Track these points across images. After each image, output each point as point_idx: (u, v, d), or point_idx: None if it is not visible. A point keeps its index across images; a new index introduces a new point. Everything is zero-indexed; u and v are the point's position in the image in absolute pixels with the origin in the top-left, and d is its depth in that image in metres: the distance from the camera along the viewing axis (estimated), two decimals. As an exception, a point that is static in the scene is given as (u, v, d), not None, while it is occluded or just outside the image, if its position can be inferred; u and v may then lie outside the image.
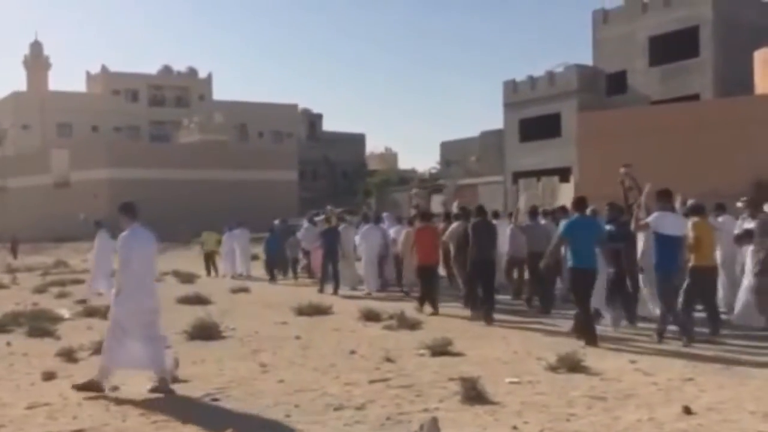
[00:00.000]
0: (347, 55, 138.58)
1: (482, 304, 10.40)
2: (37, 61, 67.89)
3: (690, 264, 8.38)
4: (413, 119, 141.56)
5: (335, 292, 14.48)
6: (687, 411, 5.18)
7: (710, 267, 8.46)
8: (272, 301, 13.74)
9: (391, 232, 14.80)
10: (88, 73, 66.67)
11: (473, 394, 5.64)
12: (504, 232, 12.54)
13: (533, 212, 12.20)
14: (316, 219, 18.15)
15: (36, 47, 68.54)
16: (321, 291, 14.75)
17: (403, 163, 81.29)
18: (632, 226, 8.94)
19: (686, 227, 8.35)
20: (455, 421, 5.13)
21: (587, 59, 39.73)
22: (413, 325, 9.54)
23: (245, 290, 15.65)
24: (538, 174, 36.68)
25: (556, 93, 38.93)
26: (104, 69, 65.00)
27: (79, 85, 68.09)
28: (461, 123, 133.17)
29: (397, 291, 14.27)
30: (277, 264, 19.01)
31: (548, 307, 10.91)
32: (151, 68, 71.05)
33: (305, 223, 18.62)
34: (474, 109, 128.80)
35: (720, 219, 10.47)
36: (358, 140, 73.78)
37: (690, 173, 26.36)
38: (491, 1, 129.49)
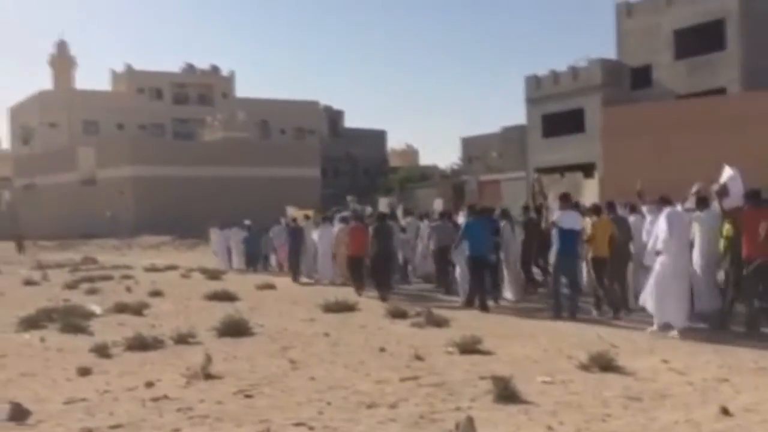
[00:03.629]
0: (368, 52, 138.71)
1: (382, 288, 13.09)
2: (63, 60, 68.96)
3: (589, 255, 10.14)
4: (435, 115, 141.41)
5: (297, 280, 17.09)
6: (724, 412, 5.13)
7: (602, 257, 10.05)
8: (298, 297, 13.82)
9: (334, 230, 16.17)
10: (113, 72, 67.54)
11: (506, 393, 5.62)
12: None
13: (443, 213, 15.06)
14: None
15: (62, 46, 69.60)
16: (294, 280, 17.12)
17: (425, 160, 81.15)
18: (542, 224, 11.13)
19: (582, 223, 10.21)
20: (489, 420, 5.12)
21: (611, 53, 39.33)
22: (440, 323, 9.54)
23: (271, 287, 15.76)
24: (562, 170, 36.40)
25: (579, 88, 38.56)
26: (129, 67, 65.80)
27: (105, 84, 69.02)
28: (482, 119, 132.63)
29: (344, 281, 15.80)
30: (255, 258, 21.28)
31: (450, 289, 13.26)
32: (175, 66, 71.61)
33: (277, 223, 20.72)
34: (495, 104, 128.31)
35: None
36: (380, 137, 73.79)
37: (716, 168, 26.00)
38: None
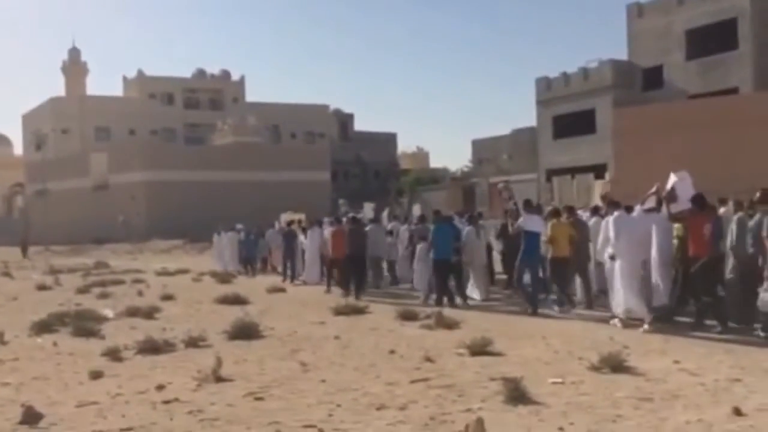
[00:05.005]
0: (378, 55, 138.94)
1: (355, 287, 13.99)
2: (75, 67, 69.47)
3: (549, 255, 10.95)
4: (445, 118, 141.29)
5: (292, 281, 17.92)
6: (737, 412, 5.08)
7: (562, 257, 10.79)
8: (308, 300, 13.86)
9: (326, 233, 16.70)
10: (124, 78, 67.98)
11: (516, 394, 5.60)
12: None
13: (421, 218, 15.80)
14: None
15: (74, 53, 70.12)
16: (284, 281, 17.92)
17: (435, 162, 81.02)
18: (510, 229, 12.35)
19: (544, 226, 11.04)
20: (499, 421, 5.10)
21: (622, 54, 39.15)
22: (451, 325, 9.53)
23: (281, 290, 15.81)
24: (573, 171, 36.23)
25: (590, 89, 38.41)
26: (140, 73, 66.19)
27: (116, 90, 69.49)
28: (493, 121, 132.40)
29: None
30: (251, 260, 22.08)
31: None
32: (186, 72, 72.01)
33: (271, 227, 22.11)
34: (506, 106, 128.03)
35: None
36: (390, 140, 73.78)
37: (729, 169, 25.80)
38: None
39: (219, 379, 6.67)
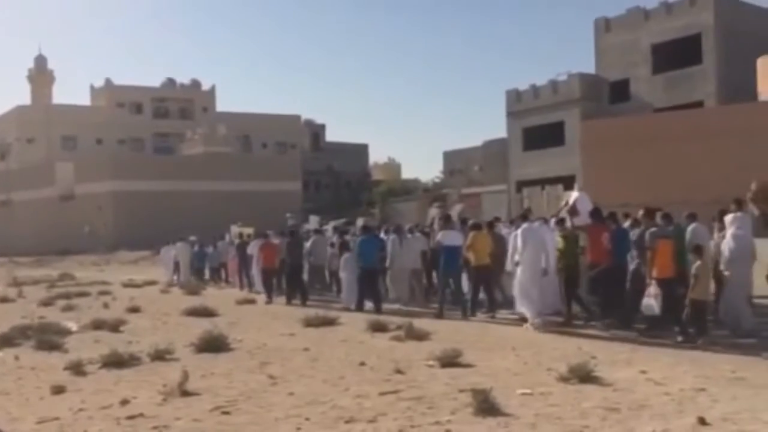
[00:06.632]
0: (350, 66, 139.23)
1: (296, 294, 15.09)
2: (41, 75, 68.24)
3: (472, 264, 11.61)
4: (417, 129, 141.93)
5: (243, 289, 18.68)
6: (702, 422, 5.14)
7: (483, 265, 11.53)
8: (279, 312, 13.73)
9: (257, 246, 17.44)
10: (92, 87, 66.99)
11: (485, 405, 5.60)
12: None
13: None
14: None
15: (40, 61, 68.91)
16: (241, 290, 18.63)
17: (407, 173, 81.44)
18: (430, 242, 13.36)
19: (462, 239, 11.84)
20: (468, 433, 5.09)
21: (590, 68, 39.82)
22: (421, 336, 9.50)
23: (251, 302, 15.65)
24: (542, 182, 36.62)
25: (559, 101, 38.95)
26: (108, 82, 65.31)
27: (84, 99, 68.43)
28: (465, 132, 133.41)
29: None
30: (202, 272, 22.70)
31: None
32: (155, 81, 71.24)
33: (221, 239, 22.78)
34: (477, 118, 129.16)
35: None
36: (362, 151, 73.88)
37: (694, 180, 26.34)
38: (493, 11, 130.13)
39: (185, 393, 6.55)
